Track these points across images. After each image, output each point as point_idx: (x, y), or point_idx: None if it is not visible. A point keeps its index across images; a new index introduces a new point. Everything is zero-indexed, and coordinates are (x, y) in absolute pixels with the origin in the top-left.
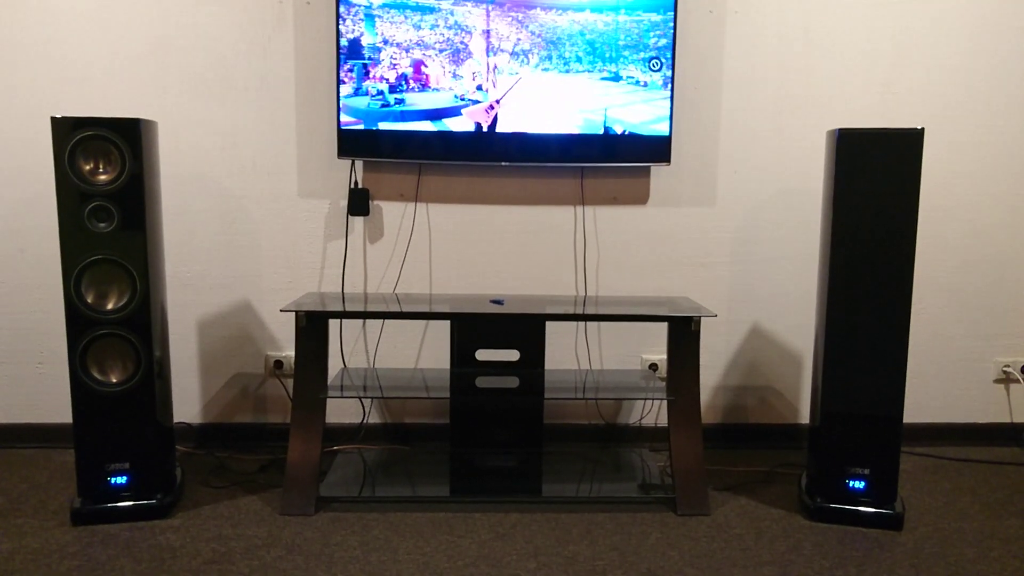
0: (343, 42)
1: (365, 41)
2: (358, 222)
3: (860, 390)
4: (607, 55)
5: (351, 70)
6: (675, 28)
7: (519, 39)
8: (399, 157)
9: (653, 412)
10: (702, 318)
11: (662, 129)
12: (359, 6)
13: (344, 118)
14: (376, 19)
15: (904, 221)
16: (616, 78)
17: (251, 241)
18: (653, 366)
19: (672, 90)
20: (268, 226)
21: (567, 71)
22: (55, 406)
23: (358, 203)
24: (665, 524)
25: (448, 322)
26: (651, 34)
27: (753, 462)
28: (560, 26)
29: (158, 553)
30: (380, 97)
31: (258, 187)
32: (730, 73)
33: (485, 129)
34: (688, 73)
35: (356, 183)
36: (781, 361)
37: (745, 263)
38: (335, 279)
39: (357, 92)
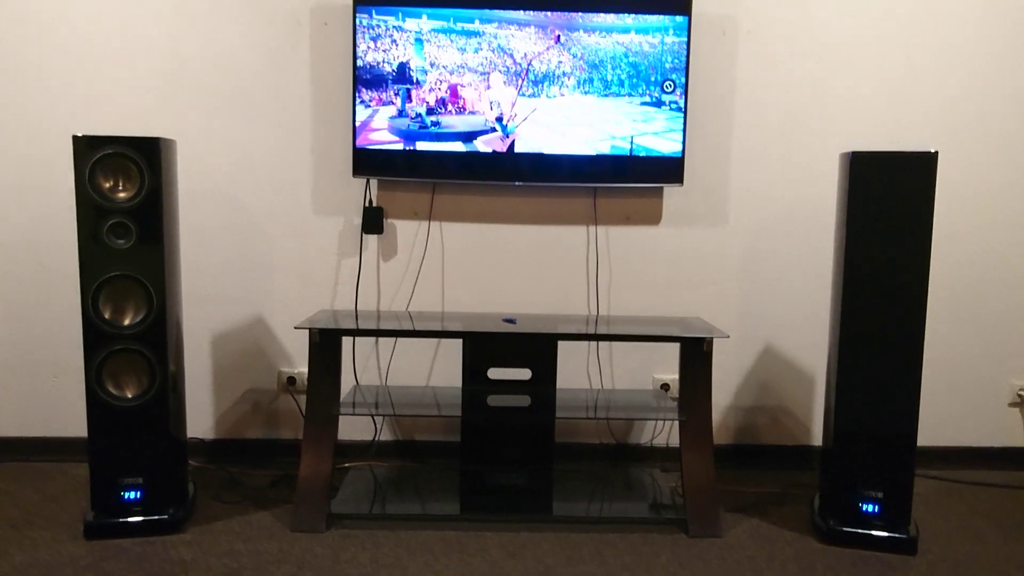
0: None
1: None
2: (372, 240)
3: (873, 411)
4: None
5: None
6: (688, 50)
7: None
8: (413, 176)
9: (665, 432)
10: (714, 338)
11: (675, 149)
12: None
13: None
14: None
15: (918, 243)
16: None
17: (265, 258)
18: (665, 386)
19: (685, 111)
20: (283, 243)
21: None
22: (69, 419)
23: (372, 221)
24: (676, 545)
25: (460, 340)
26: (664, 56)
27: (765, 483)
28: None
29: (170, 568)
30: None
31: (273, 204)
32: (742, 93)
33: (503, 150)
34: (700, 94)
35: (370, 201)
36: (793, 381)
37: (757, 282)
38: (348, 296)
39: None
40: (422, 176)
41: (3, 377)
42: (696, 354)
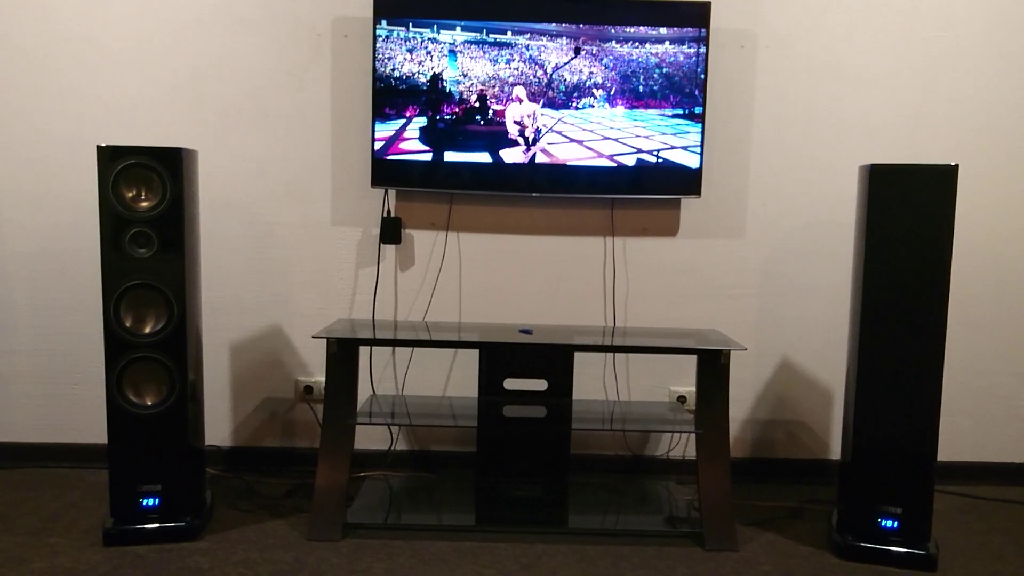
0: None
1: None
2: (389, 250)
3: (893, 426)
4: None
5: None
6: (706, 62)
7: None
8: (434, 186)
9: (681, 445)
10: (731, 351)
11: (692, 161)
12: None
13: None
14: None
15: (937, 257)
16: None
17: (284, 267)
18: (681, 398)
19: (703, 123)
20: (301, 253)
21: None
22: (88, 426)
23: (390, 231)
24: (692, 559)
25: (477, 351)
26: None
27: (782, 497)
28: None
29: (187, 575)
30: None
31: (291, 214)
32: (760, 106)
33: (524, 162)
34: (719, 106)
35: (388, 212)
36: (810, 395)
37: (774, 295)
38: (366, 306)
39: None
40: (443, 187)
41: (25, 384)
42: (713, 367)
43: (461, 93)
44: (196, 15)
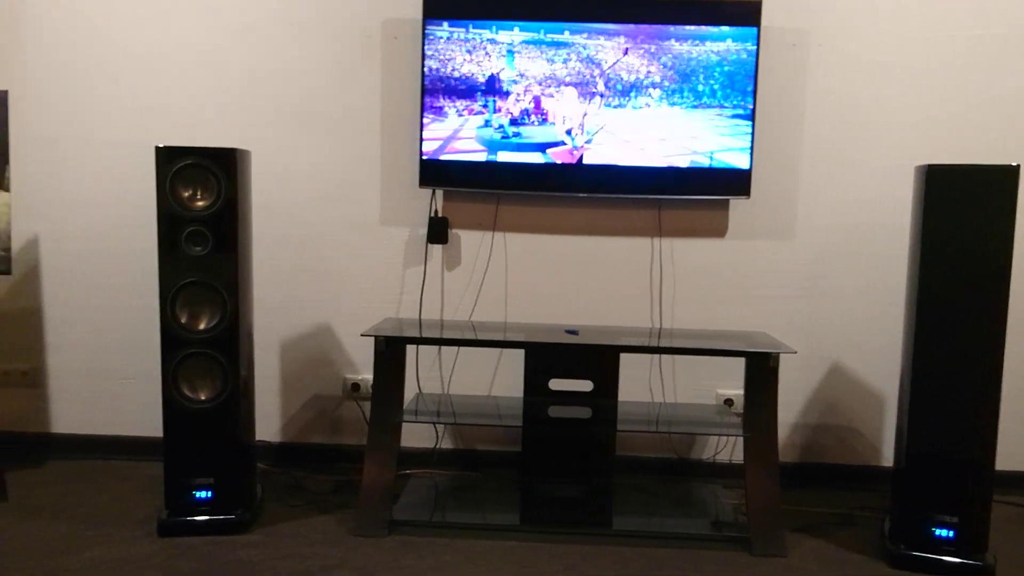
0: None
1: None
2: (436, 250)
3: (949, 433)
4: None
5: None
6: (757, 61)
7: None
8: (481, 187)
9: (727, 448)
10: (781, 354)
11: (743, 162)
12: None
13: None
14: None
15: (997, 259)
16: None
17: (332, 266)
18: (728, 401)
19: (754, 123)
20: (349, 252)
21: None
22: (142, 420)
23: (437, 231)
24: (738, 564)
25: (522, 351)
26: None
27: (832, 504)
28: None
29: (237, 568)
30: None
31: (340, 214)
32: (811, 105)
33: (573, 162)
34: (769, 106)
35: (436, 212)
36: (862, 400)
37: (825, 297)
38: (413, 305)
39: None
40: (492, 187)
41: (82, 378)
42: (762, 369)
43: (516, 93)
44: (252, 21)
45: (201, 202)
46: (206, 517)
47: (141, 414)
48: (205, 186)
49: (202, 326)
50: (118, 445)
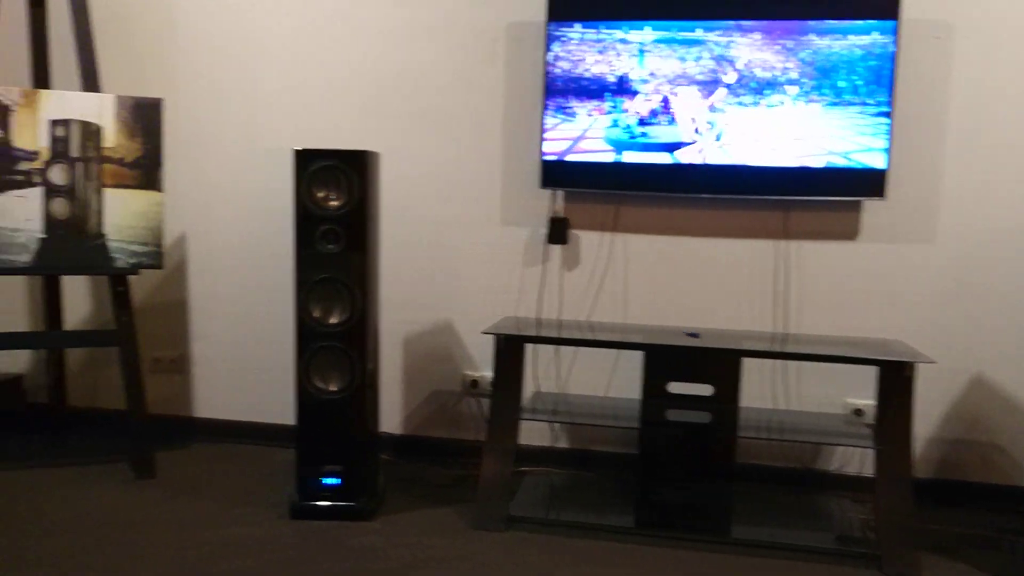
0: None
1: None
2: (556, 250)
3: None
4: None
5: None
6: (896, 55)
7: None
8: (604, 187)
9: (855, 461)
10: (918, 363)
11: (878, 161)
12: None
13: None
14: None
15: None
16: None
17: (454, 265)
18: (858, 411)
19: (891, 120)
20: (470, 251)
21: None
22: (274, 408)
23: (557, 232)
24: None
25: (641, 352)
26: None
27: (970, 524)
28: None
29: (362, 553)
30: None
31: (462, 214)
32: (956, 101)
33: (700, 162)
34: (909, 102)
35: (556, 212)
36: (1007, 415)
37: (968, 305)
38: (531, 304)
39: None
40: (615, 187)
41: (222, 366)
42: (897, 379)
43: (645, 93)
44: (382, 27)
45: (335, 202)
46: (334, 503)
47: (273, 402)
48: (338, 187)
49: (334, 320)
50: (252, 430)
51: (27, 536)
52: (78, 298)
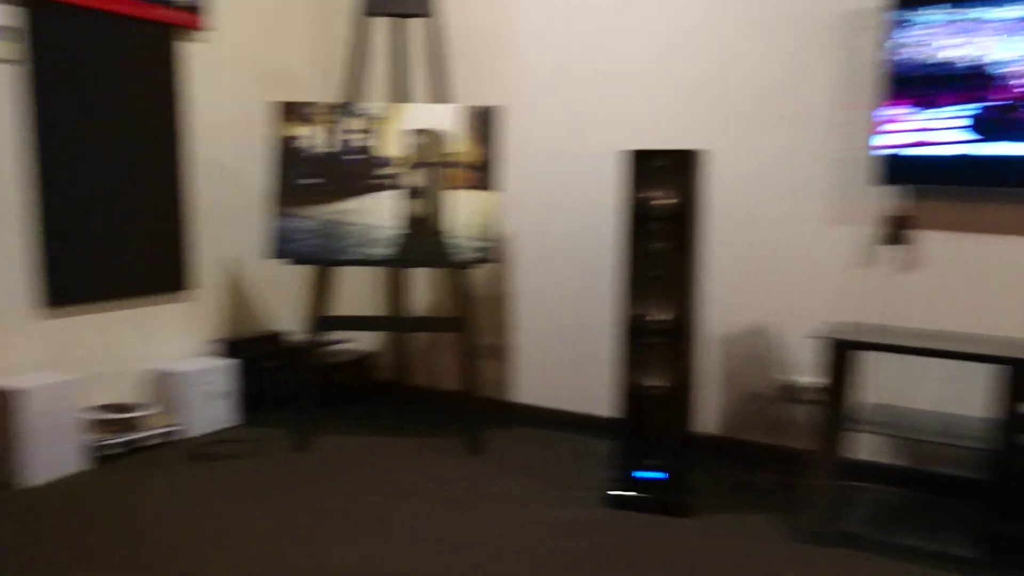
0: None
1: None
2: (889, 251)
3: None
4: None
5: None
6: None
7: None
8: (955, 183)
9: None
10: None
11: None
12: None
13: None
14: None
15: None
16: None
17: (779, 265)
18: None
19: None
20: (797, 251)
21: None
22: (587, 399)
23: (892, 231)
24: None
25: (988, 366)
26: None
27: None
28: None
29: (680, 550)
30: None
31: (789, 213)
32: None
33: None
34: None
35: (891, 210)
36: None
37: None
38: (860, 308)
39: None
40: (970, 183)
41: (541, 356)
42: None
43: (1008, 77)
44: (710, 24)
45: (663, 201)
46: (653, 496)
47: (586, 393)
48: (668, 186)
49: (659, 317)
50: (566, 418)
51: (385, 496)
52: (417, 288)
